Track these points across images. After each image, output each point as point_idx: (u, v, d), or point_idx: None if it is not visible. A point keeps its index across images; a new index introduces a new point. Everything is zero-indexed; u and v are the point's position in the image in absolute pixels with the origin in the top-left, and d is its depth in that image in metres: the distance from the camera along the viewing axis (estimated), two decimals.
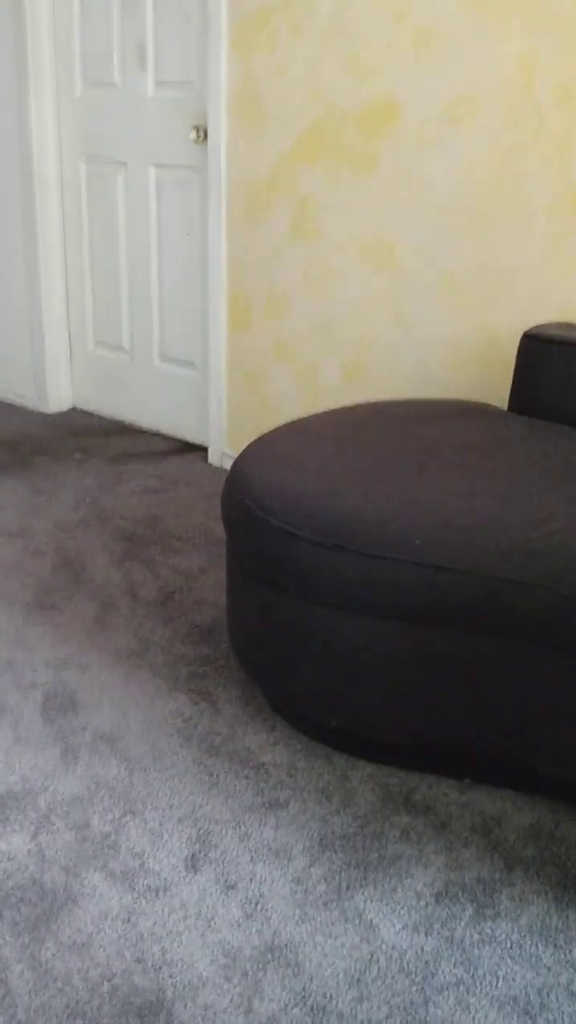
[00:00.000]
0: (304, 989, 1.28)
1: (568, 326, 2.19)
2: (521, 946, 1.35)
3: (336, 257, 2.68)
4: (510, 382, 2.44)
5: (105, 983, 1.28)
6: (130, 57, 3.05)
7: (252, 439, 3.05)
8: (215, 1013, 1.24)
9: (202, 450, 3.29)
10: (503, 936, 1.37)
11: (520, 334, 2.40)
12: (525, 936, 1.37)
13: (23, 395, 3.73)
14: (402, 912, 1.40)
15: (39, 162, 3.33)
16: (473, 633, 1.50)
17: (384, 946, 1.35)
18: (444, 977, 1.30)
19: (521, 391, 2.14)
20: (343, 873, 1.47)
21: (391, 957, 1.33)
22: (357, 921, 1.39)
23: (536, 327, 2.16)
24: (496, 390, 2.48)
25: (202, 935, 1.36)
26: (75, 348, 3.62)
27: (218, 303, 2.98)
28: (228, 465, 3.14)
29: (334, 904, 1.42)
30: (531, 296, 2.35)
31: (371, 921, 1.39)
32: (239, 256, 2.90)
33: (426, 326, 2.56)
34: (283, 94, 2.64)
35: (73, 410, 3.70)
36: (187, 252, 3.11)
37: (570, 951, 1.35)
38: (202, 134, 2.89)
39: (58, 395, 3.66)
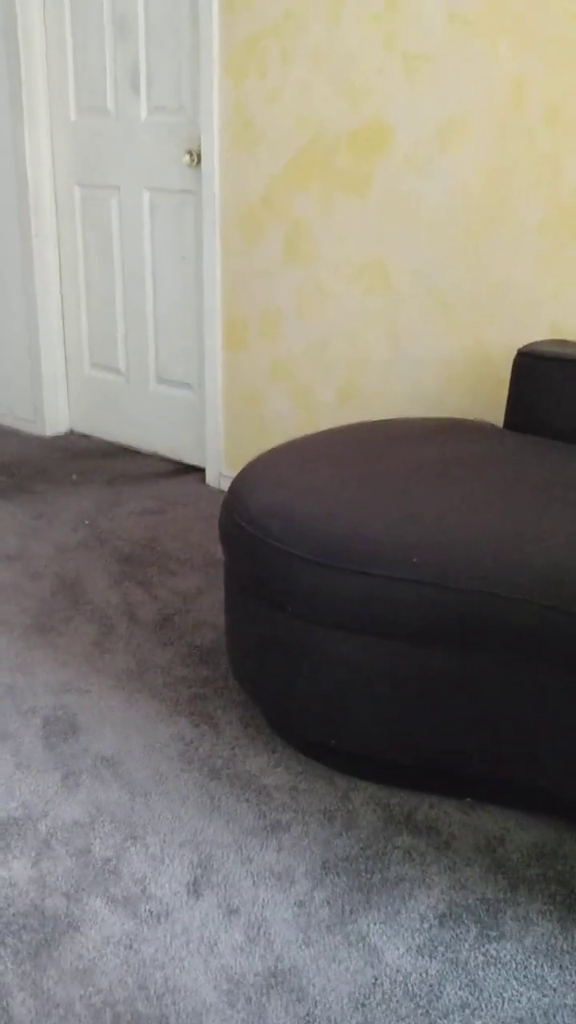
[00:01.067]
0: (308, 1014, 1.27)
1: (561, 343, 2.20)
2: (526, 967, 1.35)
3: (330, 278, 2.70)
4: (504, 399, 2.45)
5: (108, 1010, 1.27)
6: (123, 83, 3.07)
7: (249, 459, 3.05)
8: None
9: (200, 471, 3.29)
10: (508, 957, 1.36)
11: (514, 351, 2.41)
12: (530, 957, 1.36)
13: (20, 418, 3.74)
14: (406, 935, 1.40)
15: (34, 187, 3.36)
16: (472, 650, 1.49)
17: (388, 970, 1.34)
18: (449, 1000, 1.29)
19: (516, 408, 2.15)
20: (346, 896, 1.46)
21: (395, 981, 1.32)
22: (361, 945, 1.38)
23: (530, 344, 2.17)
24: (491, 408, 2.49)
25: (205, 961, 1.35)
26: (72, 371, 3.63)
27: (213, 324, 2.99)
28: (226, 486, 3.15)
29: (337, 928, 1.41)
30: (524, 314, 2.36)
31: (375, 945, 1.38)
32: (234, 278, 2.91)
33: (420, 345, 2.57)
34: (275, 118, 2.66)
35: (70, 433, 3.71)
36: (182, 274, 3.13)
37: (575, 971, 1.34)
38: (195, 158, 2.92)
39: (55, 418, 3.67)
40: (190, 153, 2.91)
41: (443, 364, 2.54)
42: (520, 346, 2.35)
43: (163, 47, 2.93)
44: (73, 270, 3.47)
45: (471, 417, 2.52)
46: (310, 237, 2.70)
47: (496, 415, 2.48)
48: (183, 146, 2.98)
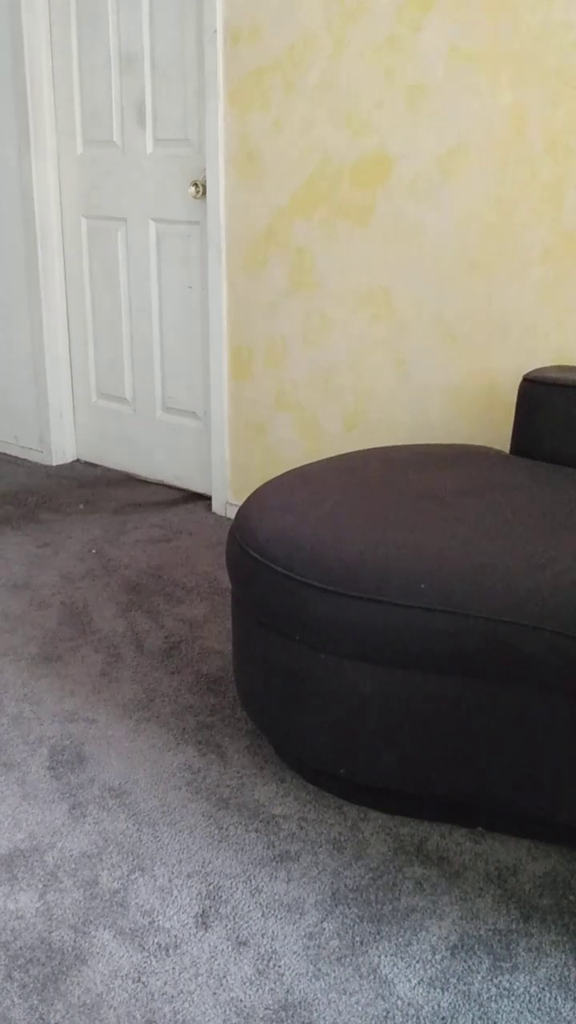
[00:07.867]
0: None
1: (567, 369, 2.20)
2: (540, 999, 1.33)
3: (334, 307, 2.71)
4: (510, 426, 2.45)
5: None
6: (129, 116, 3.11)
7: (256, 487, 3.06)
8: None
9: (206, 499, 3.30)
10: (521, 989, 1.34)
11: (519, 378, 2.42)
12: (544, 989, 1.34)
13: (27, 448, 3.75)
14: (417, 967, 1.38)
15: (41, 219, 3.39)
16: (480, 678, 1.49)
17: (400, 1002, 1.32)
18: None
19: (522, 434, 2.15)
20: (357, 927, 1.45)
21: (407, 1014, 1.30)
22: (372, 977, 1.36)
23: (535, 371, 2.18)
24: (497, 434, 2.49)
25: (214, 994, 1.33)
26: (78, 401, 3.65)
27: (219, 354, 3.01)
28: (232, 514, 3.15)
29: (348, 959, 1.39)
30: (528, 341, 2.37)
31: (386, 976, 1.36)
32: (239, 307, 2.93)
33: (425, 373, 2.58)
34: (279, 150, 2.69)
35: (77, 462, 3.72)
36: (188, 304, 3.15)
37: None
38: (201, 189, 2.95)
39: (62, 447, 3.68)
40: (195, 185, 2.94)
41: (449, 391, 2.55)
42: (526, 372, 2.36)
43: (168, 81, 2.97)
44: (80, 301, 3.49)
45: (477, 444, 2.52)
46: (315, 267, 2.72)
47: (503, 442, 2.48)
48: (188, 178, 3.01)
